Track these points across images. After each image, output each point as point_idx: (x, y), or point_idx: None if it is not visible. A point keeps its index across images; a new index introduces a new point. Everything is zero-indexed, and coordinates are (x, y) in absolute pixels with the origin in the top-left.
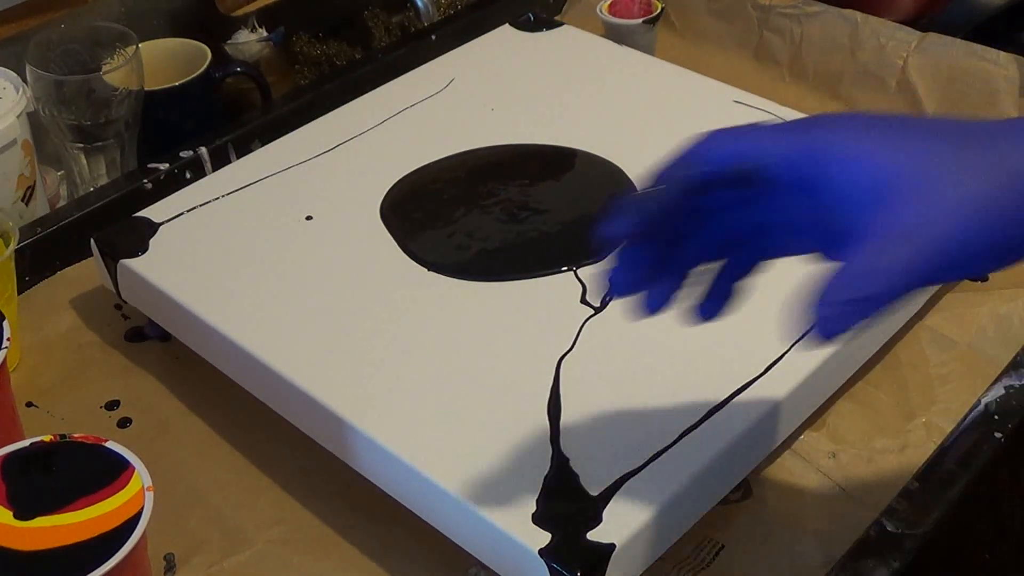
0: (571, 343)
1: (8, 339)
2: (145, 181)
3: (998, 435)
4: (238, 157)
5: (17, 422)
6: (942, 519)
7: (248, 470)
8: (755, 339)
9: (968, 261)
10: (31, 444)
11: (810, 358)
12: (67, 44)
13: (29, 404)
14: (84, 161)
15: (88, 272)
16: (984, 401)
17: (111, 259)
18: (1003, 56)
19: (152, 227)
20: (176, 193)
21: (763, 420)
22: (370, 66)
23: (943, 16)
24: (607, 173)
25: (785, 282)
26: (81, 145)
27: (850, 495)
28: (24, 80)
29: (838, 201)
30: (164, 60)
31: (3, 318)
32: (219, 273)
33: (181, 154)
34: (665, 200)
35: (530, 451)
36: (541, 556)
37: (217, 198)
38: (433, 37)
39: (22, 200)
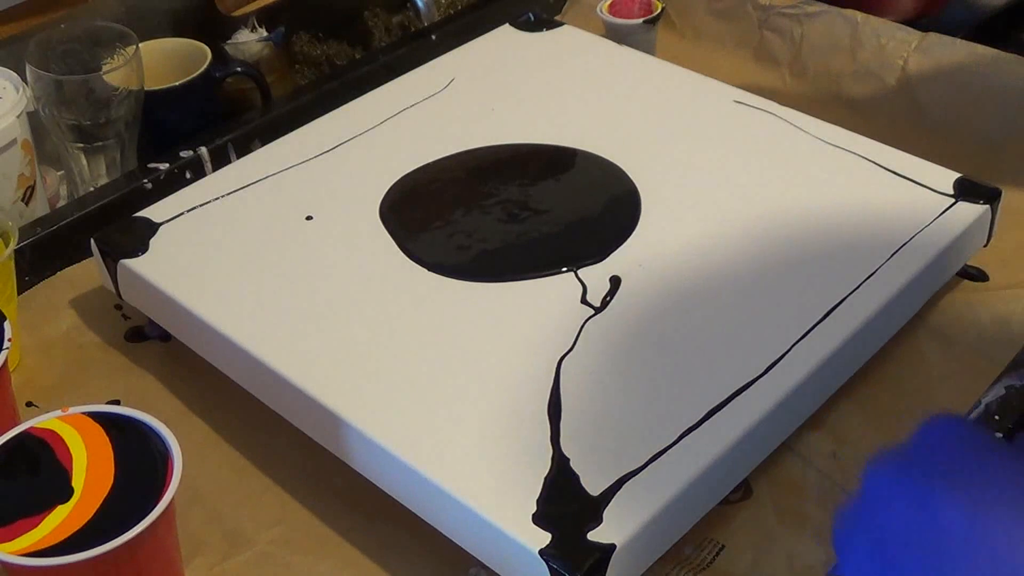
0: (571, 343)
1: (9, 339)
2: (145, 181)
3: (998, 435)
4: (238, 157)
5: (17, 422)
6: None
7: (248, 470)
8: (755, 339)
9: None
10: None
11: (810, 358)
12: (67, 44)
13: (29, 404)
14: (84, 161)
15: (88, 272)
16: (984, 401)
17: (111, 259)
18: (1003, 56)
19: (152, 227)
20: (176, 193)
21: (763, 420)
22: (370, 66)
23: (943, 16)
24: (607, 173)
25: (785, 283)
26: (81, 145)
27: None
28: (24, 80)
29: None
30: (164, 60)
31: (4, 318)
32: (219, 273)
33: (181, 154)
34: None
35: (530, 451)
36: (542, 556)
37: (217, 198)
38: (433, 37)
39: (22, 200)
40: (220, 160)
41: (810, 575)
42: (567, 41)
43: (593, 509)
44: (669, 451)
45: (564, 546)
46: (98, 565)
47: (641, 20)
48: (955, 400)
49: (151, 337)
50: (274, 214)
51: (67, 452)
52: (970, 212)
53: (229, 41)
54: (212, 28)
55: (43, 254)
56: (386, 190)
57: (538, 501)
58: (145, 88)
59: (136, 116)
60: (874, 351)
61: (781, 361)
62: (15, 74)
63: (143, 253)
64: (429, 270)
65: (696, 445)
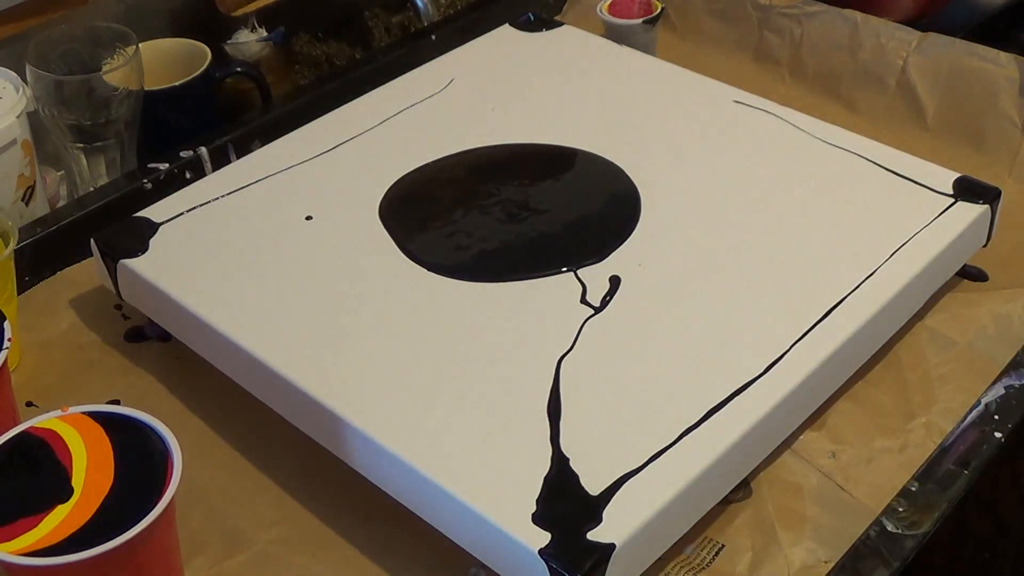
0: (571, 343)
1: (9, 339)
2: (145, 181)
3: (998, 435)
4: (238, 157)
5: (17, 422)
6: (942, 519)
7: (248, 470)
8: (755, 339)
9: None
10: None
11: (810, 358)
12: (67, 44)
13: (29, 404)
14: (84, 161)
15: (88, 272)
16: (984, 401)
17: (111, 259)
18: (1003, 56)
19: (152, 227)
20: (176, 193)
21: (763, 420)
22: (370, 66)
23: (943, 16)
24: (607, 173)
25: (785, 283)
26: (81, 145)
27: (850, 495)
28: (24, 80)
29: None
30: (164, 60)
31: (4, 318)
32: (219, 273)
33: (181, 154)
34: None
35: (530, 451)
36: (541, 556)
37: (217, 198)
38: (433, 37)
39: (22, 200)
40: (220, 160)
41: (810, 575)
42: (567, 41)
43: (593, 509)
44: (669, 451)
45: (563, 546)
46: (98, 565)
47: (641, 20)
48: (955, 400)
49: (151, 337)
50: (274, 214)
51: (67, 452)
52: (970, 212)
53: (229, 41)
54: (212, 28)
55: (43, 254)
56: (385, 190)
57: (538, 500)
58: (145, 88)
59: (136, 116)
60: (874, 351)
61: (781, 361)
62: (15, 74)
63: (143, 253)
64: (428, 270)
65: (696, 445)
